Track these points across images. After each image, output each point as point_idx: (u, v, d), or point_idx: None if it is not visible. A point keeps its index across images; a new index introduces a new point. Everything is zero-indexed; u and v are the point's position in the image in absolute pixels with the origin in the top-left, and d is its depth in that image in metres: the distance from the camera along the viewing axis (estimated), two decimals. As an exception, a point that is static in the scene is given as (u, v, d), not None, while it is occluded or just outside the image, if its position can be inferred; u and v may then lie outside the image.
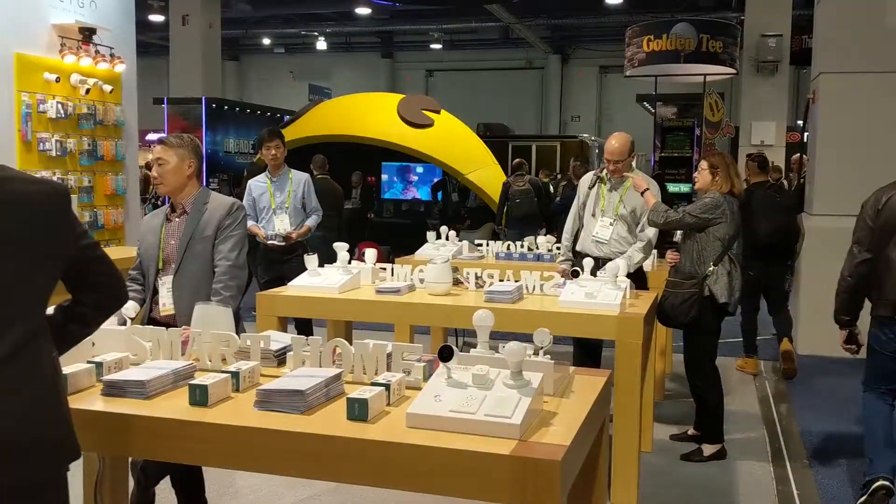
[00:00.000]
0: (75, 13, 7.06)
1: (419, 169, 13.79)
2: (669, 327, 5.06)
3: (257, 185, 5.87)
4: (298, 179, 5.89)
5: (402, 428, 2.04)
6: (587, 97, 24.57)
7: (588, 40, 23.63)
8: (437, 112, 11.44)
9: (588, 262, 4.10)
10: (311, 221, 5.91)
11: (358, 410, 2.09)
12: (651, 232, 4.67)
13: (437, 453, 1.94)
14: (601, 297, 3.82)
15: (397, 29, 23.02)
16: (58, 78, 6.78)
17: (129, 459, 3.14)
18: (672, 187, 12.37)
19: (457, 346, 2.73)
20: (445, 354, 2.16)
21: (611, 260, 4.26)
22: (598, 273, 4.07)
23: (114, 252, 6.04)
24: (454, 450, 1.93)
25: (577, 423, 2.10)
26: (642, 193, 4.55)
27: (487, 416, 2.01)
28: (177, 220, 3.32)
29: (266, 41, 24.54)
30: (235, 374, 2.35)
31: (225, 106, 14.32)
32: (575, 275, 4.11)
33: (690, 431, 4.73)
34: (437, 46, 23.97)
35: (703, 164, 4.47)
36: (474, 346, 2.38)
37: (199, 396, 2.22)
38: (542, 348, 2.35)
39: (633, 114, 18.93)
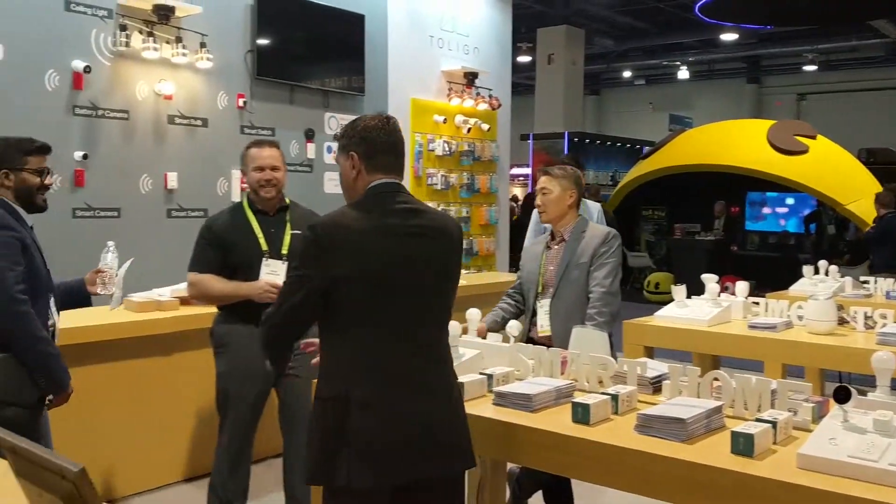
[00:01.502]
0: (461, 60, 7.81)
1: (789, 199, 12.93)
2: None
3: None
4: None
5: (791, 468, 1.95)
6: None
7: None
8: (813, 137, 10.65)
9: None
10: None
11: (743, 445, 2.03)
12: None
13: (832, 498, 1.82)
14: None
15: (766, 52, 21.86)
16: (445, 119, 7.55)
17: (507, 470, 3.36)
18: None
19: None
20: (842, 396, 2.02)
21: None
22: None
23: (485, 277, 6.54)
24: (852, 496, 1.80)
25: None
26: None
27: (892, 465, 1.85)
28: (556, 247, 3.50)
29: (626, 74, 24.81)
30: (615, 397, 2.42)
31: (586, 139, 14.76)
32: None
33: None
34: (812, 68, 22.31)
35: None
36: (861, 392, 2.20)
37: (581, 415, 2.32)
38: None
39: None
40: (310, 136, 6.54)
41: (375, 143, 2.23)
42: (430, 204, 7.23)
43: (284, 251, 3.42)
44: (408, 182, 7.18)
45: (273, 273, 3.35)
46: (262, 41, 6.10)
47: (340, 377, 2.13)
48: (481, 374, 2.70)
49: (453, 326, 2.75)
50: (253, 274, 3.36)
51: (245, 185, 3.44)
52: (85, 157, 5.11)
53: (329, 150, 6.65)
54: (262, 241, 3.41)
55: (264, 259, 3.38)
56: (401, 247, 2.16)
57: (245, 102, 6.03)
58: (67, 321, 3.36)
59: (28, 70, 4.90)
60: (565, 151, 13.81)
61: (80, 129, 5.15)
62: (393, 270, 2.14)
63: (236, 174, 5.93)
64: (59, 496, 1.44)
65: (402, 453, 2.10)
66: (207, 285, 3.39)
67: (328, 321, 2.16)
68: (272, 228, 3.45)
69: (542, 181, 3.49)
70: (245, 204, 3.51)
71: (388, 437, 2.08)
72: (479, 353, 2.87)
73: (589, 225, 3.51)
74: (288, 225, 3.48)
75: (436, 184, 7.50)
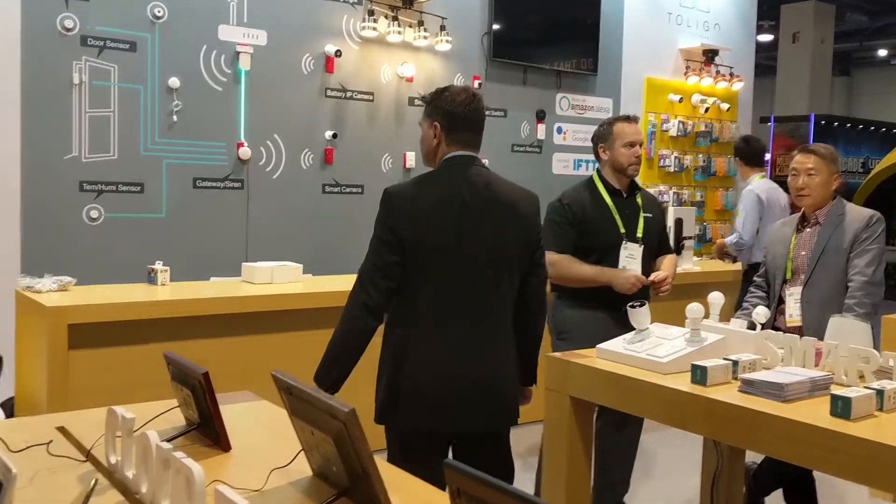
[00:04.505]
0: (700, 37, 7.47)
1: None
2: None
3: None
4: None
5: None
6: None
7: None
8: None
9: None
10: None
11: None
12: None
13: None
14: None
15: None
16: (680, 98, 7.26)
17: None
18: None
19: None
20: None
21: None
22: None
23: (717, 265, 6.21)
24: None
25: None
26: None
27: None
28: (808, 230, 3.26)
29: (882, 52, 22.56)
30: (880, 392, 2.22)
31: (835, 122, 13.60)
32: None
33: None
34: None
35: None
36: None
37: (842, 408, 2.15)
38: None
39: None
40: (541, 116, 6.55)
41: (458, 118, 2.37)
42: (662, 188, 7.05)
43: (639, 234, 3.33)
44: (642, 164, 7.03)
45: (631, 257, 3.27)
46: (498, 24, 6.19)
47: (401, 330, 2.38)
48: (725, 359, 2.57)
49: (694, 310, 2.65)
50: (610, 257, 3.28)
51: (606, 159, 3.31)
52: (334, 136, 5.46)
53: (559, 130, 6.63)
54: (619, 223, 3.32)
55: (623, 243, 3.30)
56: (463, 216, 2.32)
57: (480, 84, 6.14)
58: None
59: (287, 55, 5.30)
60: (811, 135, 12.83)
61: (330, 110, 5.50)
62: (452, 238, 2.32)
63: (471, 154, 6.09)
64: (330, 435, 1.54)
65: (450, 405, 2.32)
66: (569, 267, 3.27)
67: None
68: (626, 210, 3.36)
69: (809, 161, 3.22)
70: (598, 182, 3.40)
71: (437, 390, 2.32)
72: (722, 339, 2.74)
73: (847, 207, 3.23)
74: (641, 207, 3.39)
75: (668, 166, 7.25)
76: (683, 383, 2.45)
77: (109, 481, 1.68)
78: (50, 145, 4.49)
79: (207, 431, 1.93)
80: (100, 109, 4.65)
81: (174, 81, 4.85)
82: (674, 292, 3.49)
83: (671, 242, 4.08)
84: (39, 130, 4.44)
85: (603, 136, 3.40)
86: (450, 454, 2.52)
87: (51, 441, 1.84)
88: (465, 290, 2.36)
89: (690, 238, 5.84)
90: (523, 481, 3.01)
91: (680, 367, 2.55)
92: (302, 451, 1.73)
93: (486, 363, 2.38)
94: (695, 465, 3.16)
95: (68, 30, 4.51)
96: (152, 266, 4.02)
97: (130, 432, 1.65)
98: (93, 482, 1.38)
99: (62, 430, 2.00)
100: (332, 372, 2.37)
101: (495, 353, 2.41)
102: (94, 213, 4.64)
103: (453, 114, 2.39)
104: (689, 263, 5.79)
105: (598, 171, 3.42)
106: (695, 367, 2.46)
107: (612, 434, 3.35)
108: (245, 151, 5.10)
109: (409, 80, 5.81)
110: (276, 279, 4.18)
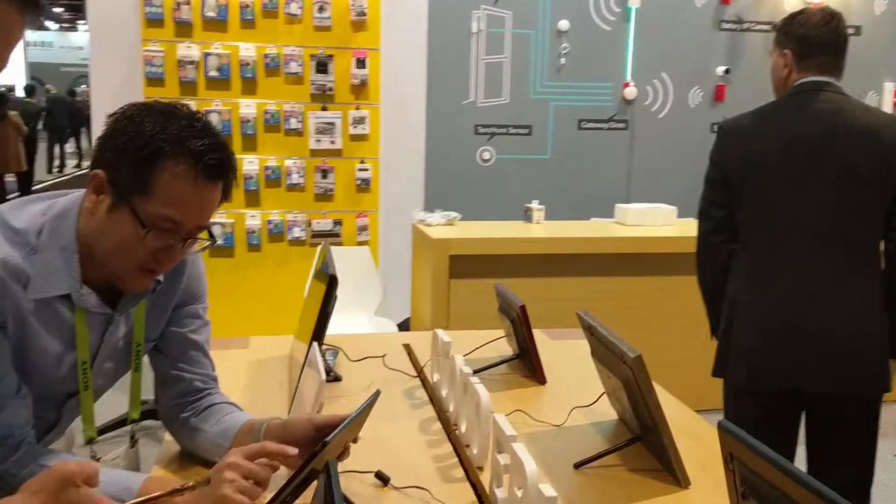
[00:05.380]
0: None
1: None
2: None
3: None
4: None
5: None
6: None
7: None
8: None
9: None
10: None
11: None
12: None
13: None
14: None
15: None
16: None
17: None
18: None
19: None
20: None
21: None
22: None
23: None
24: None
25: None
26: None
27: None
28: None
29: None
30: None
31: None
32: None
33: None
34: None
35: None
36: None
37: None
38: None
39: None
40: None
41: (811, 42, 2.12)
42: None
43: None
44: None
45: None
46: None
47: (735, 279, 2.18)
48: None
49: None
50: None
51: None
52: (727, 71, 5.12)
53: None
54: None
55: None
56: (801, 150, 2.06)
57: (911, 3, 5.26)
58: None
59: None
60: None
61: (724, 44, 5.16)
62: (786, 175, 2.07)
63: (889, 87, 5.28)
64: (621, 380, 1.49)
65: (778, 360, 2.08)
66: None
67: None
68: None
69: None
70: None
71: (766, 342, 2.09)
72: None
73: None
74: None
75: None
76: None
77: (431, 398, 1.83)
78: (450, 91, 4.89)
79: (527, 363, 1.98)
80: (494, 56, 4.94)
81: (564, 24, 4.94)
82: None
83: None
84: (441, 77, 4.87)
85: None
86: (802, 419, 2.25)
87: (384, 354, 2.05)
88: (803, 235, 2.07)
89: None
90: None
91: None
92: (605, 394, 1.70)
93: (834, 316, 2.05)
94: None
95: (468, -19, 4.85)
96: (529, 205, 4.21)
97: (447, 355, 1.77)
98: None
99: (407, 347, 2.21)
100: (711, 318, 2.30)
101: (846, 305, 2.06)
102: (486, 155, 4.98)
103: (805, 38, 2.12)
104: None
105: None
106: None
107: None
108: (630, 91, 5.03)
109: (817, 5, 5.18)
110: (647, 221, 4.10)
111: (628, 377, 1.43)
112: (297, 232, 4.46)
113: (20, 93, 14.68)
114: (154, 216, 1.22)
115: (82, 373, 1.34)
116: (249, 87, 4.38)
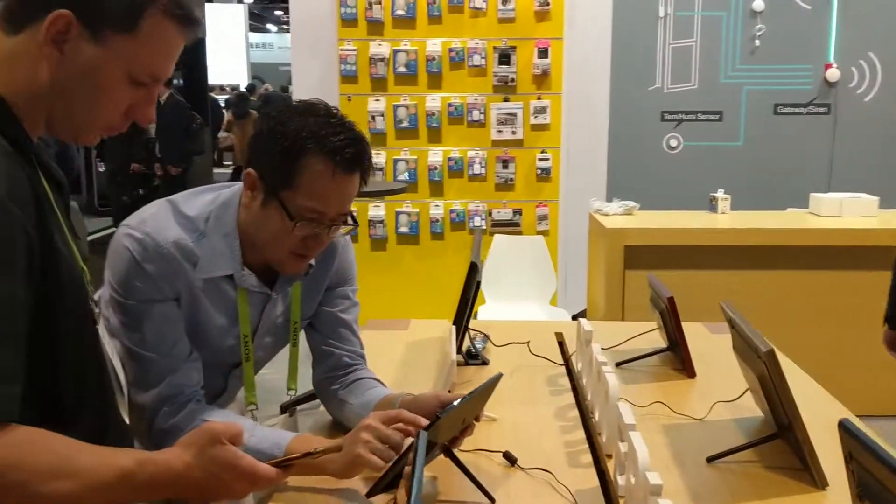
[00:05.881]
0: None
1: None
2: None
3: None
4: None
5: None
6: None
7: None
8: None
9: None
10: None
11: None
12: None
13: None
14: None
15: None
16: None
17: None
18: None
19: None
20: None
21: None
22: None
23: None
24: None
25: None
26: None
27: None
28: None
29: None
30: None
31: None
32: None
33: None
34: None
35: None
36: None
37: None
38: None
39: None
40: None
41: None
42: None
43: None
44: None
45: None
46: None
47: None
48: None
49: None
50: None
51: None
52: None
53: None
54: None
55: None
56: None
57: None
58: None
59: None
60: None
61: (946, 17, 4.68)
62: None
63: None
64: (756, 374, 1.46)
65: None
66: None
67: None
68: None
69: None
70: None
71: None
72: None
73: None
74: None
75: None
76: None
77: (573, 386, 1.85)
78: (635, 78, 4.81)
79: (678, 356, 1.95)
80: (682, 40, 4.79)
81: (759, 4, 4.70)
82: None
83: None
84: (626, 63, 4.79)
85: None
86: None
87: (528, 341, 2.09)
88: None
89: None
90: None
91: None
92: (748, 390, 1.65)
93: None
94: None
95: (655, -35, 4.73)
96: (713, 194, 4.05)
97: (588, 343, 1.79)
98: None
99: (559, 335, 2.24)
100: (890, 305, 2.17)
101: None
102: (673, 142, 4.85)
103: None
104: None
105: None
106: None
107: None
108: (833, 73, 4.69)
109: None
110: (844, 212, 3.81)
111: (762, 372, 1.39)
112: (477, 221, 4.59)
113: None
114: (300, 208, 1.35)
115: (244, 345, 1.50)
116: (435, 81, 4.55)
